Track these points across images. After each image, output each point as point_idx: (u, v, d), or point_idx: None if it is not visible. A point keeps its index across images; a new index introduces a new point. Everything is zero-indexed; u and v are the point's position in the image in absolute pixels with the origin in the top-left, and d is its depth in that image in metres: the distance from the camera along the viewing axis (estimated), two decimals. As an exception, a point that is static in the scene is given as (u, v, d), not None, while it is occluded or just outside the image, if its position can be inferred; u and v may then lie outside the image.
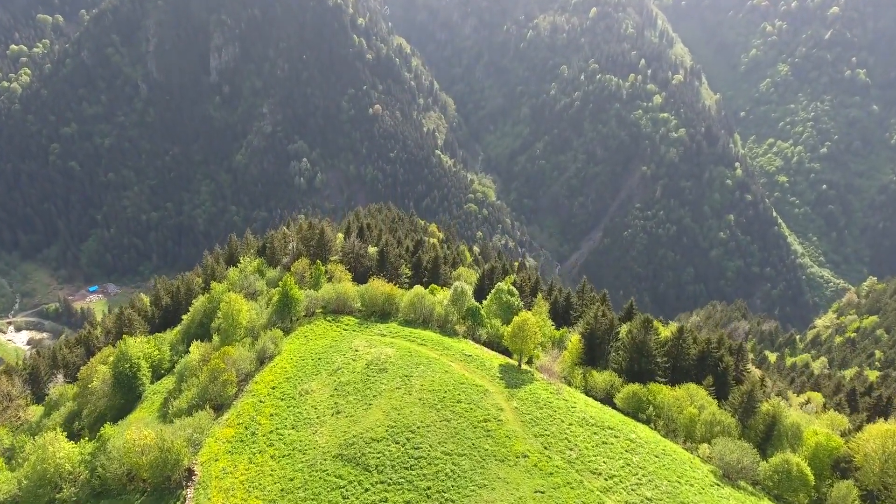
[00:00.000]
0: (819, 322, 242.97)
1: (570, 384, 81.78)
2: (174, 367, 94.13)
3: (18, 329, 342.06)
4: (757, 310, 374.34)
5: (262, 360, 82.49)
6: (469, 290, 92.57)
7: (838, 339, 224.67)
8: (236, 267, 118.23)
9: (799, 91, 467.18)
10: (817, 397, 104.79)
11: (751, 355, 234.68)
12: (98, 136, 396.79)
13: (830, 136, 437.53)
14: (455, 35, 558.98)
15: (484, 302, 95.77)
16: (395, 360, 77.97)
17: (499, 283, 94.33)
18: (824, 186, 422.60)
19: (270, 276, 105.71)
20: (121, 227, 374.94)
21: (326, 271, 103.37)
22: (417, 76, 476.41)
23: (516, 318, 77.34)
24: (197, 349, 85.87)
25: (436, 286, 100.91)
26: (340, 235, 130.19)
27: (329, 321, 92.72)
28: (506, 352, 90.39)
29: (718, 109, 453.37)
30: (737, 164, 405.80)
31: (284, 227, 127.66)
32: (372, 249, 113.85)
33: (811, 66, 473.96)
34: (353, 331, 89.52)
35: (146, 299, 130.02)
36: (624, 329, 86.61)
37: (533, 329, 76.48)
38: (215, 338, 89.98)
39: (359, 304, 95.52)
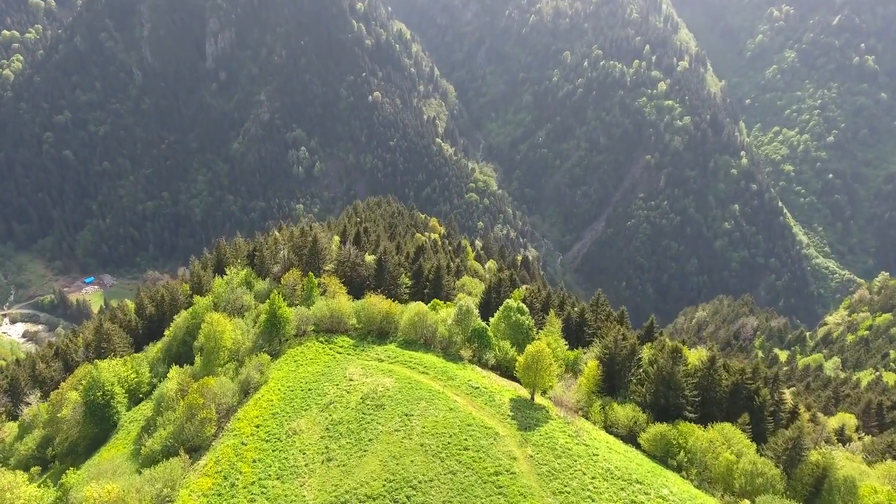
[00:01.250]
0: (830, 319, 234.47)
1: (587, 417, 73.08)
2: (154, 389, 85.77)
3: (13, 321, 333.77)
4: (761, 301, 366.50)
5: (247, 391, 73.68)
6: (474, 307, 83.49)
7: (850, 338, 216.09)
8: (224, 275, 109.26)
9: (806, 78, 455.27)
10: (850, 420, 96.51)
11: (759, 353, 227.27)
12: (92, 123, 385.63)
13: (837, 124, 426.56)
14: (456, 20, 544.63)
15: (491, 320, 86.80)
16: (393, 394, 69.11)
17: (507, 301, 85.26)
18: (830, 175, 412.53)
19: (259, 288, 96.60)
20: (116, 217, 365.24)
21: (320, 284, 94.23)
22: (417, 62, 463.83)
23: (530, 348, 68.38)
24: (175, 376, 77.05)
25: (438, 301, 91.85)
26: (336, 239, 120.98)
27: (322, 342, 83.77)
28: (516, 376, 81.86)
29: (724, 97, 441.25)
30: (742, 152, 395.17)
31: (276, 231, 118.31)
32: (369, 258, 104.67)
33: (818, 53, 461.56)
34: (348, 354, 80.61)
35: (131, 306, 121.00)
36: (646, 353, 77.74)
37: (548, 361, 67.56)
38: (197, 360, 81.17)
39: (354, 322, 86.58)
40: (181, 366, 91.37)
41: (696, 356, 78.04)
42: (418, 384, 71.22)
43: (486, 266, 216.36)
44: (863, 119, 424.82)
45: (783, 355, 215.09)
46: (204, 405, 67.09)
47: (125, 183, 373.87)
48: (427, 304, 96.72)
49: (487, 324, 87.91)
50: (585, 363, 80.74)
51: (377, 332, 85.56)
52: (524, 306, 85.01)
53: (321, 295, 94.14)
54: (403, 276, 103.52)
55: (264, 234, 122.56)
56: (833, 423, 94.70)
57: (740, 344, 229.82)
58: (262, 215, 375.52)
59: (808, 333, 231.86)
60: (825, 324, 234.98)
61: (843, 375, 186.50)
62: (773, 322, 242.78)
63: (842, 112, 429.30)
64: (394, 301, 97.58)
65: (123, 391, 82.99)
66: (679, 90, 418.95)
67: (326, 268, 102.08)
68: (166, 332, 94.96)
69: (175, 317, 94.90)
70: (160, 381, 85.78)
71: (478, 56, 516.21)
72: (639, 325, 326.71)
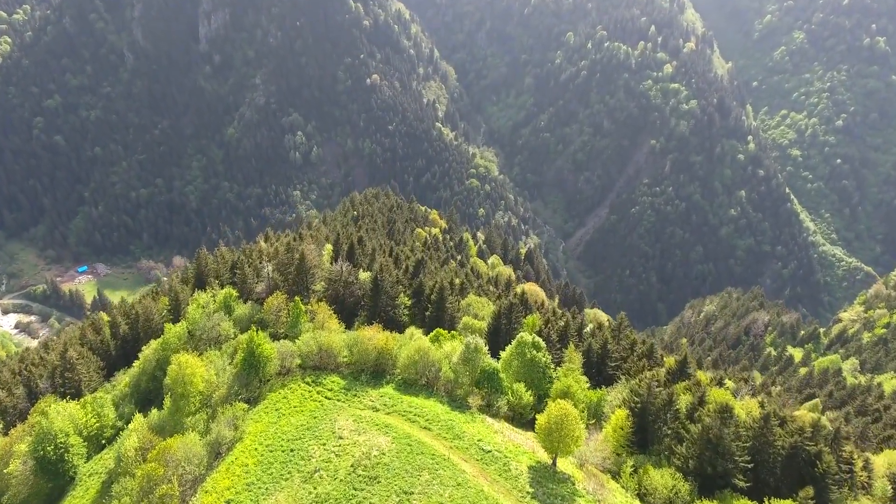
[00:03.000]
0: (845, 315, 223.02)
1: (616, 478, 61.75)
2: (120, 432, 74.41)
3: (6, 312, 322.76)
4: (767, 289, 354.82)
5: (218, 452, 62.04)
6: (483, 343, 71.53)
7: (866, 336, 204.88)
8: (205, 290, 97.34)
9: (815, 60, 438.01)
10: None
11: (771, 351, 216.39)
12: (83, 108, 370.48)
13: (846, 107, 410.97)
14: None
15: (501, 355, 75.06)
16: (390, 460, 57.45)
17: (521, 334, 73.26)
18: (838, 161, 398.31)
19: (240, 313, 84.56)
20: (109, 204, 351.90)
21: (307, 311, 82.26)
22: (417, 44, 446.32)
23: (552, 409, 56.58)
24: (136, 430, 65.36)
25: (442, 331, 79.86)
26: (329, 249, 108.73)
27: (308, 383, 71.94)
28: (532, 422, 70.22)
29: (731, 79, 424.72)
30: (749, 137, 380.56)
31: (261, 242, 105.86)
32: (364, 275, 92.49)
33: (828, 34, 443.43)
34: (338, 400, 68.84)
35: (105, 320, 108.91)
36: (683, 401, 66.07)
37: (574, 424, 55.85)
38: (167, 402, 69.46)
39: (346, 356, 74.76)
40: (150, 402, 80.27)
41: (742, 408, 66.28)
42: (419, 446, 59.53)
43: (490, 262, 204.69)
44: (873, 102, 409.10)
45: (797, 354, 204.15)
46: (165, 477, 55.48)
47: (118, 169, 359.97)
48: (429, 333, 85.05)
49: (496, 356, 76.41)
50: (612, 410, 69.22)
51: (372, 370, 73.88)
52: (540, 341, 73.04)
53: (310, 321, 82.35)
54: (402, 295, 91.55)
55: (248, 245, 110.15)
56: (881, 462, 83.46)
57: (751, 341, 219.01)
58: (258, 202, 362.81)
59: (821, 330, 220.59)
60: (839, 320, 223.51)
61: (862, 379, 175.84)
62: (784, 317, 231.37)
63: (851, 95, 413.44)
64: (391, 327, 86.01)
65: (82, 440, 71.42)
66: (685, 72, 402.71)
67: (316, 287, 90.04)
68: (136, 364, 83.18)
69: (144, 347, 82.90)
70: (126, 426, 74.31)
71: (478, 37, 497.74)
72: (644, 316, 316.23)
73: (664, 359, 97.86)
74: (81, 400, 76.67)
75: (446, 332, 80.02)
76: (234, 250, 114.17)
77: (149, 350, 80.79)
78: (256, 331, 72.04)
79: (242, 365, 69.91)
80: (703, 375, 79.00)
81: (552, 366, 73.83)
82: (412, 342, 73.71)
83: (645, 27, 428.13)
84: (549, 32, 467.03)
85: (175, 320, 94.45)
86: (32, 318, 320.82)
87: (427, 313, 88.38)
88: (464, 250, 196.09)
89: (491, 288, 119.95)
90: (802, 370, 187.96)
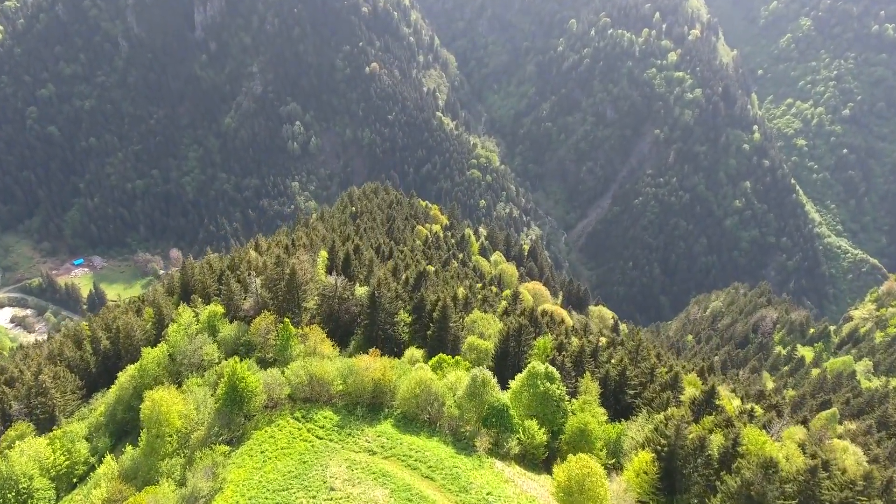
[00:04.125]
0: (856, 313, 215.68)
1: (641, 531, 54.63)
2: (94, 469, 67.27)
3: (1, 306, 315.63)
4: (771, 281, 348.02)
5: (194, 506, 54.74)
6: (491, 376, 64.02)
7: (879, 336, 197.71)
8: (189, 305, 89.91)
9: (821, 48, 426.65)
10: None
11: (781, 351, 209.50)
12: (77, 97, 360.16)
13: (853, 96, 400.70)
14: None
15: (511, 385, 67.64)
16: (388, 520, 50.24)
17: (532, 364, 65.62)
18: (845, 151, 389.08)
19: (225, 334, 76.92)
20: (105, 195, 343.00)
21: (298, 333, 74.71)
22: (417, 31, 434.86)
23: (573, 466, 49.24)
24: (104, 476, 58.05)
25: (445, 357, 72.34)
26: (324, 256, 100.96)
27: (298, 419, 64.49)
28: (546, 462, 63.10)
29: (736, 67, 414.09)
30: (755, 127, 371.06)
31: (251, 250, 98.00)
32: (360, 290, 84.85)
33: (835, 21, 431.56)
34: (331, 439, 61.41)
35: (87, 334, 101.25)
36: (716, 442, 58.67)
37: (598, 483, 48.51)
38: (142, 438, 61.95)
39: (340, 386, 67.29)
40: (127, 433, 73.14)
41: (780, 451, 58.84)
42: (421, 498, 52.28)
43: (492, 259, 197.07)
44: (880, 91, 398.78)
45: (808, 354, 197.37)
46: (132, 541, 48.27)
47: (113, 160, 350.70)
48: (431, 353, 77.75)
49: (503, 381, 69.05)
50: (633, 448, 61.93)
51: (368, 402, 66.45)
52: (553, 371, 65.45)
53: (301, 342, 74.84)
54: (402, 312, 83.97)
55: (238, 250, 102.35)
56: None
57: (760, 340, 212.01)
58: (255, 193, 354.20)
59: (832, 328, 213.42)
60: (850, 318, 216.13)
61: (877, 383, 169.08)
62: (793, 314, 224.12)
63: (858, 84, 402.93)
64: (390, 346, 78.74)
65: (49, 481, 64.13)
66: (690, 60, 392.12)
67: (308, 305, 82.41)
68: (112, 389, 75.77)
69: (120, 374, 75.38)
70: (100, 461, 67.09)
71: (479, 24, 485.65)
72: (647, 309, 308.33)
73: (686, 382, 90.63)
74: (50, 435, 69.26)
75: (450, 357, 72.49)
76: (222, 258, 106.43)
77: (125, 377, 73.30)
78: (241, 359, 64.47)
79: (224, 401, 62.42)
80: (730, 404, 71.69)
81: (566, 397, 66.37)
82: (413, 372, 66.19)
83: (649, 14, 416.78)
84: (552, 19, 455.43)
85: (157, 337, 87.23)
86: (28, 311, 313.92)
87: (428, 332, 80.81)
88: (466, 248, 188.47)
89: (494, 289, 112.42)
90: (814, 371, 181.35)
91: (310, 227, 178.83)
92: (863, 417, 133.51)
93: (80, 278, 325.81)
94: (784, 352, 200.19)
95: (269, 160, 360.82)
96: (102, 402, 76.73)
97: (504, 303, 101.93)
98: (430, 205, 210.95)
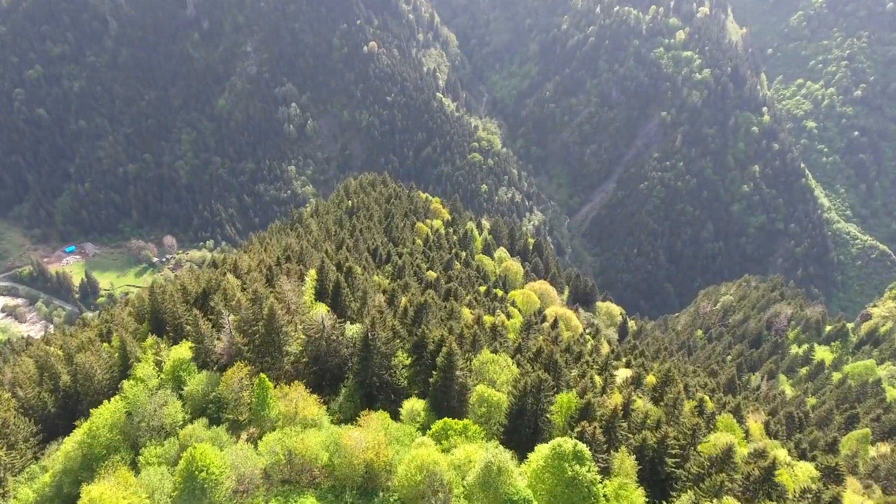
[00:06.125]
0: (875, 311, 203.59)
1: None
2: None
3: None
4: (779, 269, 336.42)
5: None
6: (508, 460, 51.68)
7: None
8: (158, 338, 77.60)
9: (834, 26, 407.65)
10: None
11: (798, 351, 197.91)
12: (66, 79, 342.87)
13: (866, 76, 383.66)
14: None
15: (531, 460, 55.40)
16: None
17: (557, 442, 53.15)
18: (856, 133, 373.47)
19: (193, 388, 64.23)
20: (96, 180, 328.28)
21: (278, 390, 62.23)
22: (416, 8, 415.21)
23: None
24: None
25: (451, 422, 59.86)
26: (313, 275, 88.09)
27: (274, 509, 52.46)
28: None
29: (745, 46, 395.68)
30: (764, 109, 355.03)
31: (229, 275, 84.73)
32: (352, 329, 72.12)
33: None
34: (313, 539, 49.45)
35: (56, 353, 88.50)
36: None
37: None
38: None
39: (327, 462, 55.06)
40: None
41: None
42: None
43: (496, 255, 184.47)
44: (894, 71, 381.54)
45: (826, 355, 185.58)
46: None
47: (104, 144, 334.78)
48: (434, 409, 65.51)
49: (519, 451, 56.90)
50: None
51: (360, 486, 54.26)
52: (583, 450, 53.00)
53: (282, 398, 62.43)
54: (400, 352, 71.39)
55: (216, 274, 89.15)
56: None
57: (774, 338, 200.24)
58: (251, 178, 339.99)
59: (850, 326, 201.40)
60: (869, 316, 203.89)
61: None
62: (808, 310, 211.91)
63: (871, 64, 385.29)
64: (386, 392, 66.63)
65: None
66: (699, 39, 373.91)
67: (291, 349, 69.71)
68: (59, 454, 63.41)
69: (67, 440, 63.05)
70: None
71: (481, 0, 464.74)
72: (651, 297, 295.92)
73: (720, 423, 78.71)
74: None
75: (457, 422, 60.03)
76: (199, 276, 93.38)
77: (70, 445, 60.93)
78: (210, 421, 51.98)
79: (182, 492, 50.11)
80: (789, 480, 59.57)
81: (598, 481, 54.08)
82: (413, 450, 53.81)
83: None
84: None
85: (123, 375, 74.97)
86: (19, 301, 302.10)
87: (432, 380, 68.27)
88: (469, 246, 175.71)
89: (502, 318, 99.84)
90: (835, 376, 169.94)
91: (303, 223, 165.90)
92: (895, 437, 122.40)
93: (71, 266, 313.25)
94: (801, 352, 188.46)
95: (265, 143, 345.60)
96: (54, 463, 64.49)
97: (515, 336, 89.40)
98: (430, 197, 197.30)
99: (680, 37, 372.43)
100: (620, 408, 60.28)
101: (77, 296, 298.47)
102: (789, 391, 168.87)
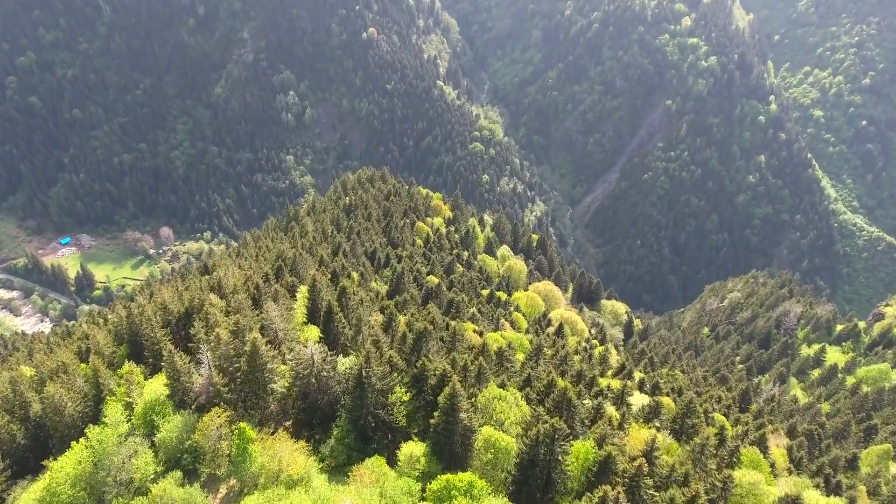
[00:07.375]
0: (888, 310, 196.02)
1: None
2: None
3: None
4: (784, 260, 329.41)
5: None
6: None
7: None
8: (136, 365, 70.27)
9: (842, 12, 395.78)
10: None
11: (809, 352, 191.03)
12: (59, 66, 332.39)
13: (875, 64, 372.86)
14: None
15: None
16: None
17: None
18: (864, 122, 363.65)
19: (166, 434, 56.95)
20: (91, 171, 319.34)
21: (259, 437, 54.98)
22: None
23: None
24: None
25: (453, 479, 52.62)
26: (304, 291, 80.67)
27: (252, 588, 45.46)
28: None
29: (752, 33, 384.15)
30: (771, 97, 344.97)
31: (212, 295, 77.07)
32: (344, 364, 64.64)
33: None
34: None
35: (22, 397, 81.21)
36: None
37: None
38: None
39: (313, 524, 48.07)
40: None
41: None
42: None
43: (499, 254, 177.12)
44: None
45: (838, 357, 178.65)
46: None
47: (98, 133, 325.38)
48: (435, 453, 58.37)
49: (524, 494, 49.67)
50: None
51: (351, 558, 47.27)
52: (607, 520, 45.88)
53: (264, 449, 55.19)
54: (398, 390, 64.00)
55: (200, 284, 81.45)
56: None
57: (784, 338, 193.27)
58: (248, 168, 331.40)
59: (862, 326, 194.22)
60: (882, 315, 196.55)
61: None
62: (818, 309, 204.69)
63: (881, 51, 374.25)
64: (383, 437, 59.44)
65: None
66: (705, 25, 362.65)
67: (276, 386, 62.31)
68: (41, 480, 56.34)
69: (24, 494, 55.91)
70: None
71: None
72: (655, 289, 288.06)
73: (744, 457, 71.60)
74: None
75: (461, 479, 52.79)
76: (182, 294, 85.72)
77: (29, 501, 53.81)
78: (184, 474, 44.77)
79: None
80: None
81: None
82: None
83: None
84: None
85: (95, 409, 67.72)
86: (14, 293, 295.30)
87: (432, 421, 60.96)
88: (471, 245, 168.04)
89: (502, 296, 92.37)
90: (849, 380, 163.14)
91: (299, 222, 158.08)
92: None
93: (67, 258, 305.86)
94: (811, 353, 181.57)
95: (263, 133, 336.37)
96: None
97: (523, 360, 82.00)
98: (431, 194, 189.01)
99: (686, 23, 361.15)
100: (645, 464, 53.00)
101: (73, 288, 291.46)
102: (801, 396, 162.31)
